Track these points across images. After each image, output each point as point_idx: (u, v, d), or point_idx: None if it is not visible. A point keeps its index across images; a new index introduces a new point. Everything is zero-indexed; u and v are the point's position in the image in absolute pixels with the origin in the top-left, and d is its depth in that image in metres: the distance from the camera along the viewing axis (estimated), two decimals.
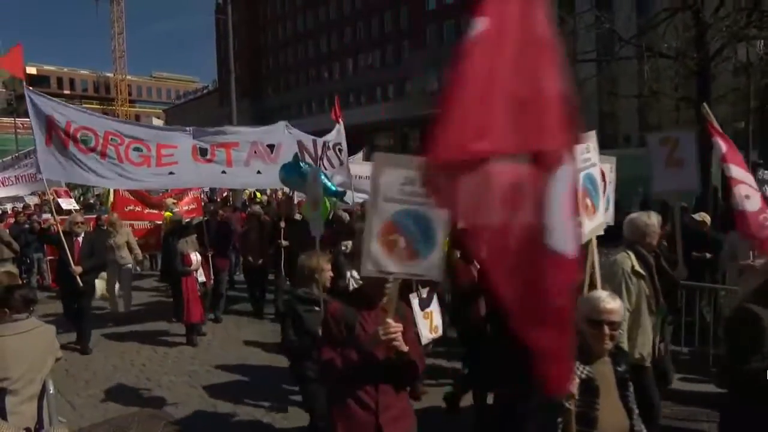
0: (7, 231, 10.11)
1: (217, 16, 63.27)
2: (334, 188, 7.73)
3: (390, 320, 2.45)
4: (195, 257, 7.51)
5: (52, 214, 7.91)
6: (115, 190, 11.07)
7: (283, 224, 8.47)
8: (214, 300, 8.74)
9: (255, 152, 8.08)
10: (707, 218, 6.95)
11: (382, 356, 2.53)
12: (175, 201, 10.71)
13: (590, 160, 3.04)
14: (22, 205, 14.74)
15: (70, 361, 6.55)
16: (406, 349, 2.50)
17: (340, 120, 9.65)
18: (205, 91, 76.19)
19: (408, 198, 2.30)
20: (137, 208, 10.45)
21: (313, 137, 8.80)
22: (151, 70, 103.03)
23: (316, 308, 3.71)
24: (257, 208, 10.21)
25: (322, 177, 7.06)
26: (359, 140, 32.90)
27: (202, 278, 7.73)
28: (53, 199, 15.97)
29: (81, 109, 7.56)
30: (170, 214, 9.55)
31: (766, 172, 13.65)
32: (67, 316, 7.51)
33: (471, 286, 4.60)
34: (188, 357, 7.02)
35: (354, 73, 52.65)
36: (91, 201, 18.56)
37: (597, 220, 3.07)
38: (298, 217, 8.76)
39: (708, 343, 5.38)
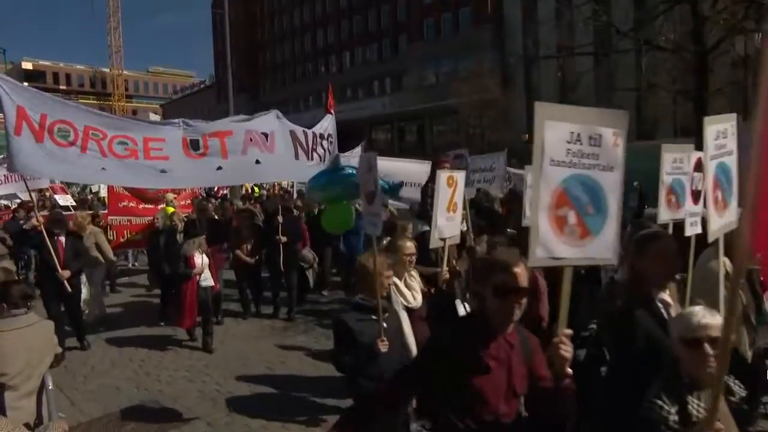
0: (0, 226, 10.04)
1: (213, 11, 63.03)
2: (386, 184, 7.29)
3: None
4: (201, 260, 7.11)
5: (34, 212, 7.50)
6: (109, 186, 10.88)
7: (281, 219, 8.28)
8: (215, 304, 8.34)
9: (251, 140, 7.50)
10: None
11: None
12: (175, 196, 10.65)
13: (725, 147, 2.64)
14: (18, 201, 14.65)
15: (69, 357, 6.54)
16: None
17: (332, 110, 9.30)
18: (202, 86, 75.94)
19: (577, 160, 1.92)
20: (132, 204, 10.29)
21: (303, 128, 8.41)
22: (147, 65, 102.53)
23: (373, 317, 3.31)
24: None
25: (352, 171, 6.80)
26: (357, 135, 32.91)
27: (209, 282, 7.17)
28: (50, 195, 15.91)
29: (58, 99, 6.61)
30: (172, 209, 9.41)
31: None
32: (51, 318, 6.78)
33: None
34: (186, 352, 7.03)
35: (351, 67, 52.50)
36: (89, 197, 18.46)
37: (727, 218, 2.70)
38: (293, 212, 8.71)
39: None
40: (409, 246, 4.17)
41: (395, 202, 9.68)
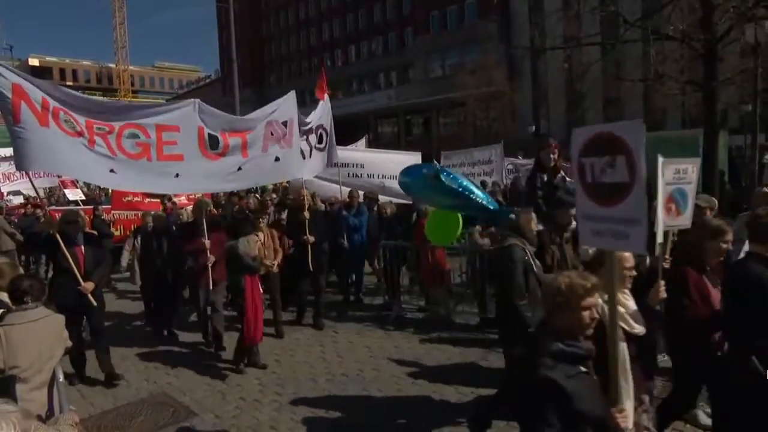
0: (7, 222, 10.09)
1: (218, 5, 62.91)
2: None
3: None
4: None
5: (43, 209, 6.26)
6: None
7: (307, 215, 7.37)
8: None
9: (271, 134, 6.83)
10: (714, 203, 6.89)
11: None
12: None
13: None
14: (23, 197, 14.75)
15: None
16: None
17: (325, 96, 8.49)
18: (207, 81, 75.99)
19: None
20: (136, 198, 10.07)
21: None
22: (153, 60, 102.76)
23: (582, 369, 2.26)
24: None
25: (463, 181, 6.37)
26: (363, 128, 32.82)
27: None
28: (59, 189, 15.96)
29: (56, 86, 5.60)
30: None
31: None
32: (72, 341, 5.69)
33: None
34: (195, 345, 7.07)
35: (357, 61, 52.31)
36: (96, 191, 18.49)
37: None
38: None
39: None
40: (629, 258, 3.15)
41: (389, 197, 9.45)
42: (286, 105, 7.19)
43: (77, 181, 15.60)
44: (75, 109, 5.26)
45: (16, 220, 11.54)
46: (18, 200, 14.74)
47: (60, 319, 3.80)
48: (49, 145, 4.98)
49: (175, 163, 6.02)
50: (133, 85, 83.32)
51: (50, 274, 10.75)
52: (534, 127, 34.03)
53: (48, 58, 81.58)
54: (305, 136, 7.89)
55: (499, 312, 4.70)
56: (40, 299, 3.66)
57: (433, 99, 40.35)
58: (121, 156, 5.58)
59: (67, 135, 5.15)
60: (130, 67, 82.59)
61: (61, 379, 3.60)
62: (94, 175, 5.78)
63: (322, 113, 8.31)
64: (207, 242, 6.53)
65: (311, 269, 7.37)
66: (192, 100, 6.36)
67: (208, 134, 6.28)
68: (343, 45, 53.75)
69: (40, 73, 71.44)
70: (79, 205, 12.98)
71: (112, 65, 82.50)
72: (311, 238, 7.27)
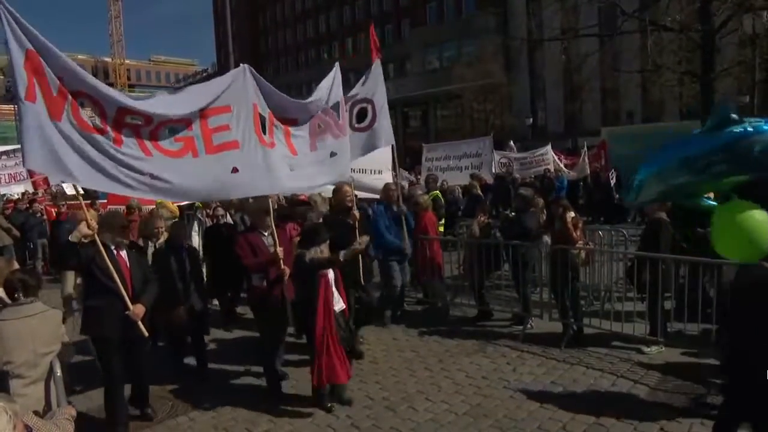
0: (2, 217, 10.02)
1: None
2: None
3: None
4: (331, 275, 4.68)
5: (84, 213, 4.43)
6: None
7: (357, 213, 5.99)
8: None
9: (319, 126, 5.50)
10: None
11: None
12: None
13: None
14: (19, 193, 14.60)
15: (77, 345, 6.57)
16: None
17: (379, 56, 6.83)
18: (204, 75, 75.64)
19: None
20: None
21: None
22: (149, 54, 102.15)
23: None
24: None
25: None
26: None
27: (340, 305, 4.78)
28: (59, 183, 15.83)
29: (76, 66, 3.94)
30: (161, 200, 8.30)
31: None
32: (110, 384, 4.40)
33: None
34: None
35: (354, 53, 52.11)
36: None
37: None
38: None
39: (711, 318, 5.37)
40: None
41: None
42: (336, 84, 5.77)
43: None
44: (102, 96, 3.98)
45: (8, 212, 11.50)
46: (19, 189, 14.50)
47: (56, 314, 3.79)
48: (57, 145, 3.75)
49: (230, 153, 4.59)
50: (129, 79, 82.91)
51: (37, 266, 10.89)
52: (531, 120, 33.98)
53: None
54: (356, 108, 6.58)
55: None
56: (35, 294, 3.65)
57: (431, 91, 40.25)
58: (158, 155, 4.25)
59: (86, 131, 3.89)
60: (126, 61, 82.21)
61: (58, 374, 3.60)
62: (124, 185, 4.15)
63: (372, 83, 6.64)
64: (280, 250, 4.91)
65: (362, 281, 5.82)
66: (241, 66, 4.84)
67: (260, 114, 4.89)
68: (340, 37, 53.51)
69: (14, 82, 70.98)
70: (78, 200, 12.88)
71: (108, 59, 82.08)
72: (363, 243, 5.28)
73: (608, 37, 16.43)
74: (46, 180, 14.24)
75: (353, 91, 6.59)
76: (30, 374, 3.40)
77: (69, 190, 14.53)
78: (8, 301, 3.69)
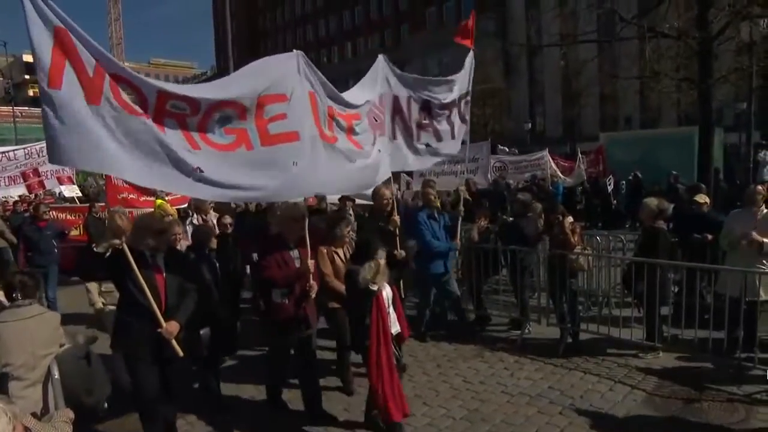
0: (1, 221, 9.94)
1: (214, 1, 62.67)
2: None
3: None
4: (386, 294, 4.10)
5: (117, 220, 3.70)
6: (106, 175, 10.09)
7: (398, 219, 5.50)
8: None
9: (375, 119, 5.09)
10: (707, 199, 6.95)
11: None
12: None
13: None
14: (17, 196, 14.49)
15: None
16: None
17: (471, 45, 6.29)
18: (203, 78, 75.74)
19: None
20: (132, 195, 8.82)
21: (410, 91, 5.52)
22: (148, 57, 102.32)
23: None
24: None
25: None
26: None
27: (397, 326, 4.23)
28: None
29: (105, 51, 3.36)
30: (162, 201, 8.38)
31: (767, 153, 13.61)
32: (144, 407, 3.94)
33: None
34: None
35: (353, 57, 52.24)
36: (90, 189, 18.26)
37: None
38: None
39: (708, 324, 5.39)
40: None
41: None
42: (381, 77, 5.27)
43: (74, 178, 15.23)
44: (140, 81, 3.44)
45: (8, 213, 11.46)
46: (18, 192, 14.34)
47: (55, 316, 3.79)
48: (96, 134, 3.17)
49: (290, 145, 4.02)
50: None
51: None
52: (530, 124, 34.09)
53: None
54: (444, 114, 5.91)
55: None
56: (34, 296, 3.65)
57: None
58: (207, 148, 3.64)
59: (129, 113, 3.32)
60: (126, 64, 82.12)
61: (56, 377, 3.60)
62: (173, 181, 3.51)
63: (464, 75, 6.17)
64: (311, 263, 4.38)
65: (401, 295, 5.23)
66: (294, 53, 4.30)
67: (320, 109, 4.42)
68: (340, 41, 53.66)
69: (34, 70, 70.96)
70: (75, 203, 12.83)
71: None
72: (413, 243, 4.93)
73: (607, 43, 16.50)
74: (41, 183, 14.20)
75: (457, 83, 6.02)
76: (28, 376, 3.40)
77: (67, 193, 14.49)
78: (6, 303, 3.70)
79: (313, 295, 4.43)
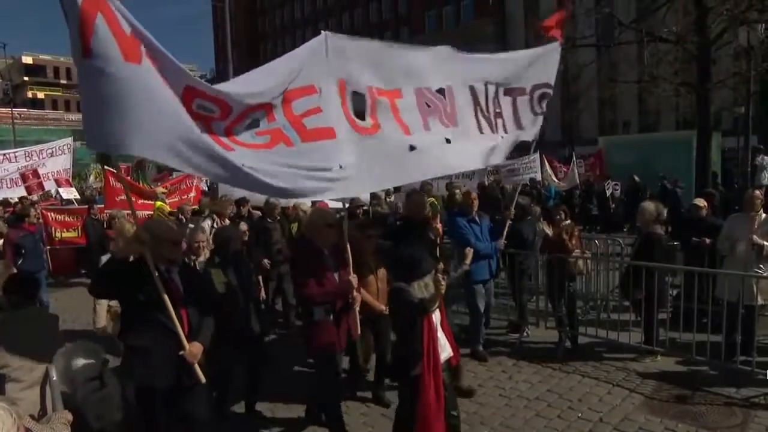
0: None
1: (214, 3, 62.74)
2: None
3: None
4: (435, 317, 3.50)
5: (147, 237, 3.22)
6: (106, 177, 9.61)
7: (439, 229, 5.14)
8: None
9: (428, 105, 4.38)
10: (705, 204, 6.97)
11: None
12: (164, 191, 9.71)
13: None
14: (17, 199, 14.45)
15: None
16: None
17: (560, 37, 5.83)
18: (203, 80, 75.76)
19: None
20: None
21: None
22: None
23: None
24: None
25: None
26: None
27: (447, 353, 3.57)
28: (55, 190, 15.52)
29: None
30: (161, 203, 8.38)
31: (765, 157, 13.65)
32: None
33: None
34: None
35: None
36: (87, 192, 18.16)
37: None
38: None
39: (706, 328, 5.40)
40: None
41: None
42: (439, 60, 4.66)
43: (71, 180, 15.15)
44: (171, 64, 2.96)
45: (8, 215, 11.43)
46: (18, 194, 14.27)
47: (53, 318, 3.79)
48: (143, 99, 2.67)
49: (329, 143, 3.59)
50: None
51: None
52: None
53: (42, 56, 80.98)
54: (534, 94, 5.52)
55: None
56: (32, 298, 3.65)
57: None
58: (241, 148, 3.17)
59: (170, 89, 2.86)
60: None
61: (54, 378, 3.59)
62: (227, 173, 3.02)
63: (545, 66, 5.74)
64: (354, 278, 3.99)
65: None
66: (322, 35, 3.78)
67: (352, 92, 3.86)
68: None
69: (34, 71, 71.02)
70: (74, 204, 12.78)
71: None
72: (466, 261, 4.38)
73: (605, 47, 16.54)
74: (40, 185, 14.17)
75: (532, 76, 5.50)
76: (26, 378, 3.39)
77: (65, 195, 14.36)
78: (5, 305, 3.69)
79: (357, 308, 4.09)
